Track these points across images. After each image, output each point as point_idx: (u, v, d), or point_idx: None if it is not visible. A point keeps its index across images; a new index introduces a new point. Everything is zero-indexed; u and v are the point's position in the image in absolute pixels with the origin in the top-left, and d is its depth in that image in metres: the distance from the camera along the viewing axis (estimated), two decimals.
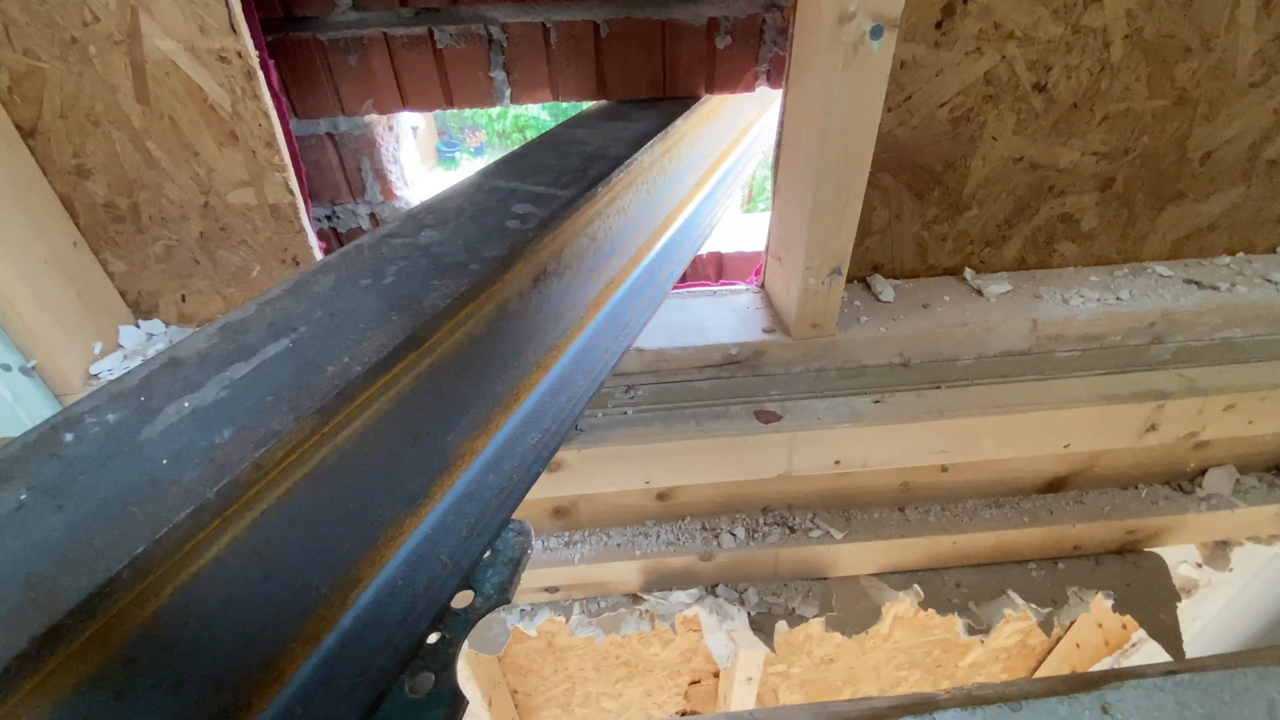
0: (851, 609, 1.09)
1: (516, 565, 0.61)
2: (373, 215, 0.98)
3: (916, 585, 1.10)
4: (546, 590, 1.05)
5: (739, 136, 1.30)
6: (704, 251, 1.12)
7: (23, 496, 0.31)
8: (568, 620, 1.10)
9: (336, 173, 0.93)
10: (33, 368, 0.77)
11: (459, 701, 0.49)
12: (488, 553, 0.61)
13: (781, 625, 1.06)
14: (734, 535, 1.03)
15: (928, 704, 0.63)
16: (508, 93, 0.89)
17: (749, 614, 1.06)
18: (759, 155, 1.39)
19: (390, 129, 0.94)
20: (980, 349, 0.89)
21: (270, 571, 0.42)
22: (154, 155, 0.77)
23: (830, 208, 0.72)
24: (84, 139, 0.76)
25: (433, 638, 0.54)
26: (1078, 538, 1.08)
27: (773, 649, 1.06)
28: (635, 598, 1.11)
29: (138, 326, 0.89)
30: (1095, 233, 0.94)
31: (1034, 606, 1.08)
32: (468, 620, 0.56)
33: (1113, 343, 0.91)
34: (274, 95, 0.75)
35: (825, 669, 1.92)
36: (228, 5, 0.68)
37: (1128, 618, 1.12)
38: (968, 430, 0.87)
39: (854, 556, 1.07)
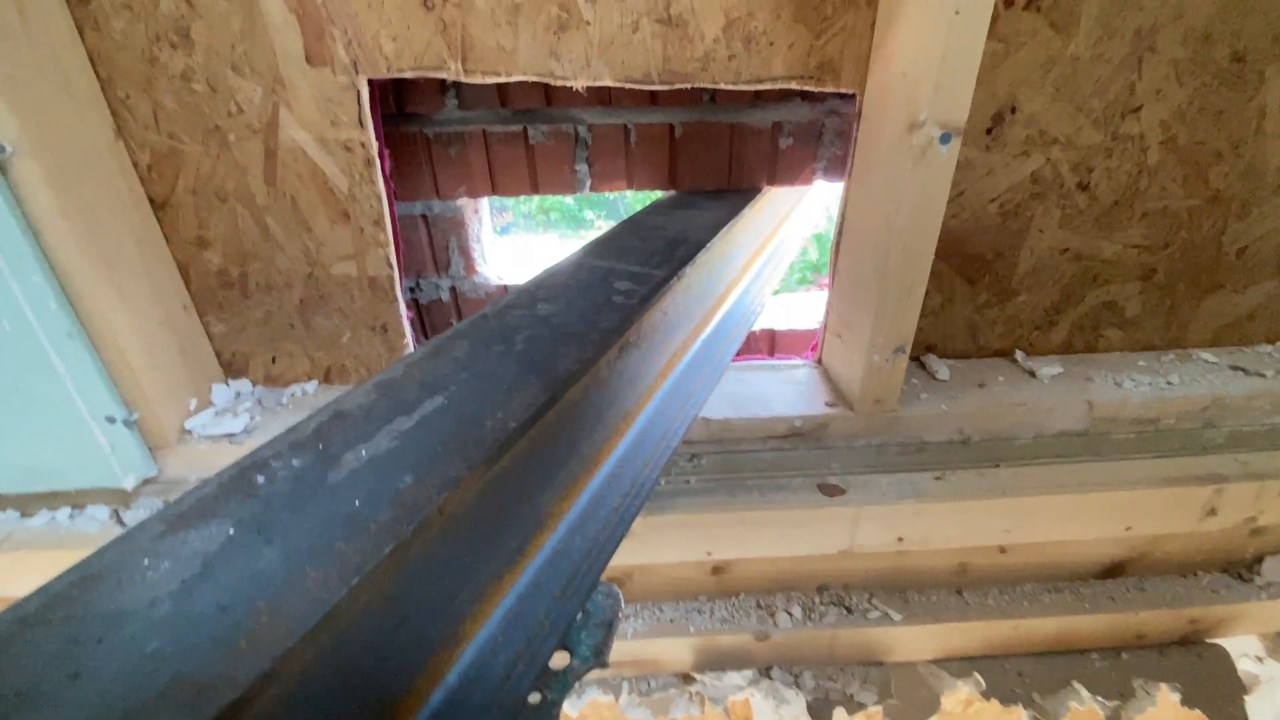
0: (911, 697, 1.05)
1: (609, 627, 0.62)
2: (453, 289, 1.04)
3: (977, 673, 1.07)
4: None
5: (782, 221, 1.38)
6: (756, 328, 1.18)
7: (230, 530, 0.34)
8: (617, 700, 1.06)
9: (425, 249, 1.00)
10: (134, 420, 0.81)
11: None
12: (580, 615, 0.62)
13: (840, 712, 1.02)
14: (790, 614, 1.02)
15: None
16: (588, 183, 0.97)
17: (805, 699, 1.02)
18: (800, 240, 1.47)
19: (476, 212, 1.02)
20: (1038, 429, 0.91)
21: (400, 620, 0.44)
22: (271, 230, 0.84)
23: (895, 292, 0.77)
24: (209, 213, 0.83)
25: (534, 698, 0.54)
26: (1140, 626, 1.06)
27: None
28: (686, 678, 1.08)
29: (227, 385, 0.93)
30: (1140, 319, 0.98)
31: (1100, 700, 1.04)
32: (566, 681, 0.56)
33: (1167, 426, 0.93)
34: (385, 180, 0.83)
35: None
36: (359, 103, 0.77)
37: (1190, 716, 1.08)
38: (1029, 509, 0.88)
39: (912, 640, 1.04)
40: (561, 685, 0.55)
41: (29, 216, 0.68)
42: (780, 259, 1.31)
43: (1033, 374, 0.95)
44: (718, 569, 1.03)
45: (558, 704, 0.54)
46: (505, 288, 1.07)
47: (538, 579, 0.60)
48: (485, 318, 0.59)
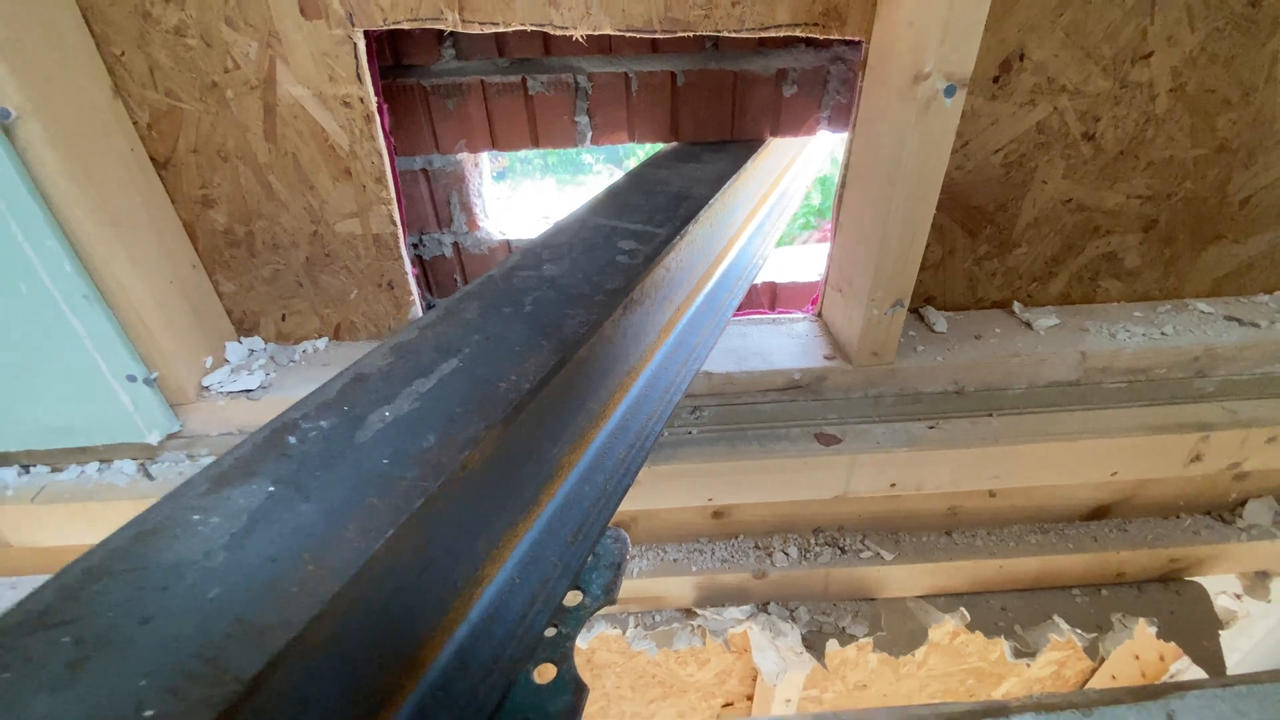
0: (899, 630, 1.12)
1: (618, 568, 0.66)
2: (455, 244, 1.05)
3: (963, 608, 1.13)
4: None
5: (784, 170, 1.37)
6: (758, 281, 1.18)
7: (270, 488, 0.37)
8: (624, 633, 1.13)
9: (427, 205, 1.00)
10: (154, 379, 0.84)
11: (581, 689, 0.54)
12: (590, 557, 0.66)
13: (832, 644, 1.09)
14: (786, 554, 1.07)
15: (1001, 709, 0.66)
16: (589, 135, 0.96)
17: (800, 632, 1.09)
18: (802, 189, 1.46)
19: (476, 166, 1.02)
20: (1031, 379, 0.94)
21: (426, 565, 0.47)
22: (274, 188, 0.84)
23: (897, 246, 0.78)
24: (212, 172, 0.83)
25: (550, 632, 0.58)
26: (1121, 565, 1.11)
27: (825, 665, 1.09)
28: (689, 613, 1.14)
29: (240, 342, 0.95)
30: (1138, 270, 0.99)
31: (1079, 632, 1.11)
32: (580, 617, 0.61)
33: (1158, 376, 0.95)
34: (385, 135, 0.83)
35: (859, 695, 1.93)
36: (356, 57, 0.76)
37: (1166, 649, 1.15)
38: (1019, 456, 0.92)
39: (902, 578, 1.10)
40: (575, 620, 0.60)
41: (37, 180, 0.69)
42: (783, 210, 1.31)
43: (1029, 325, 0.97)
44: (718, 513, 1.07)
45: (571, 637, 0.58)
46: (508, 242, 1.07)
47: (551, 525, 0.63)
48: (493, 279, 0.60)
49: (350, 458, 0.39)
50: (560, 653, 0.57)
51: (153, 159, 0.82)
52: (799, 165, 1.48)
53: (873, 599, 1.13)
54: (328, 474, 0.38)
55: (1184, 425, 0.91)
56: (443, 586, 0.50)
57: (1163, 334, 0.94)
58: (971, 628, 1.11)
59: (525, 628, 0.56)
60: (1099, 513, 1.11)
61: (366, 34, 0.75)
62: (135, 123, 0.79)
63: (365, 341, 0.99)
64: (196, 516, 0.35)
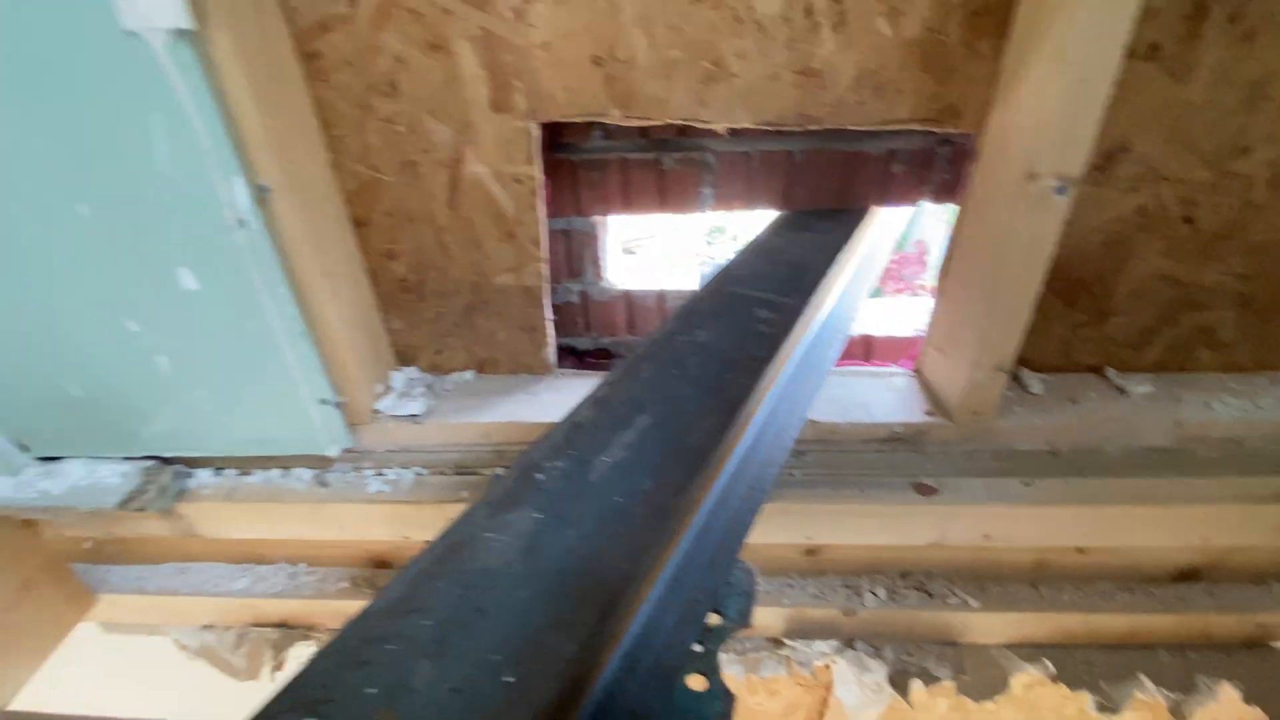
0: (982, 675, 1.16)
1: (749, 595, 0.75)
2: (583, 293, 1.18)
3: (1046, 659, 1.17)
4: None
5: (872, 230, 1.46)
6: (854, 333, 1.27)
7: (537, 515, 0.48)
8: None
9: (563, 259, 1.14)
10: (340, 403, 0.99)
11: (730, 697, 0.63)
12: (725, 585, 0.76)
13: (916, 683, 1.15)
14: (875, 595, 1.14)
15: None
16: (710, 202, 1.08)
17: (886, 670, 1.15)
18: (890, 246, 1.54)
19: (606, 225, 1.15)
20: (1126, 443, 0.99)
21: (627, 580, 0.58)
22: (448, 246, 0.99)
23: (1003, 318, 0.86)
24: (399, 231, 0.99)
25: (697, 648, 0.68)
26: (1208, 627, 1.13)
27: (909, 702, 1.14)
28: (777, 642, 1.22)
29: (401, 371, 1.10)
30: (1234, 343, 1.03)
31: (1164, 691, 1.12)
32: (721, 635, 0.70)
33: (1252, 447, 0.99)
34: (544, 205, 0.97)
35: None
36: (530, 143, 0.90)
37: (1250, 714, 1.15)
38: (1111, 517, 0.96)
39: (987, 626, 1.15)
40: (717, 639, 0.69)
41: (280, 241, 0.85)
42: (874, 263, 1.39)
43: (1123, 391, 1.02)
44: (811, 551, 1.15)
45: (715, 652, 0.68)
46: (626, 292, 1.20)
47: (690, 553, 0.73)
48: (656, 343, 0.72)
49: (590, 495, 0.50)
50: (709, 665, 0.66)
51: (353, 219, 0.98)
52: (886, 219, 1.57)
53: (956, 643, 1.18)
54: (577, 506, 0.49)
55: (1278, 495, 0.94)
56: (629, 597, 0.61)
57: (1258, 407, 0.97)
58: (1056, 679, 1.15)
59: (678, 640, 0.66)
60: (1187, 574, 1.13)
61: (540, 125, 0.89)
62: (343, 190, 0.95)
63: (506, 375, 1.12)
64: (489, 535, 0.47)
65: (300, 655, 1.30)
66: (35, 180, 0.79)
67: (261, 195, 0.81)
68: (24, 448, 1.08)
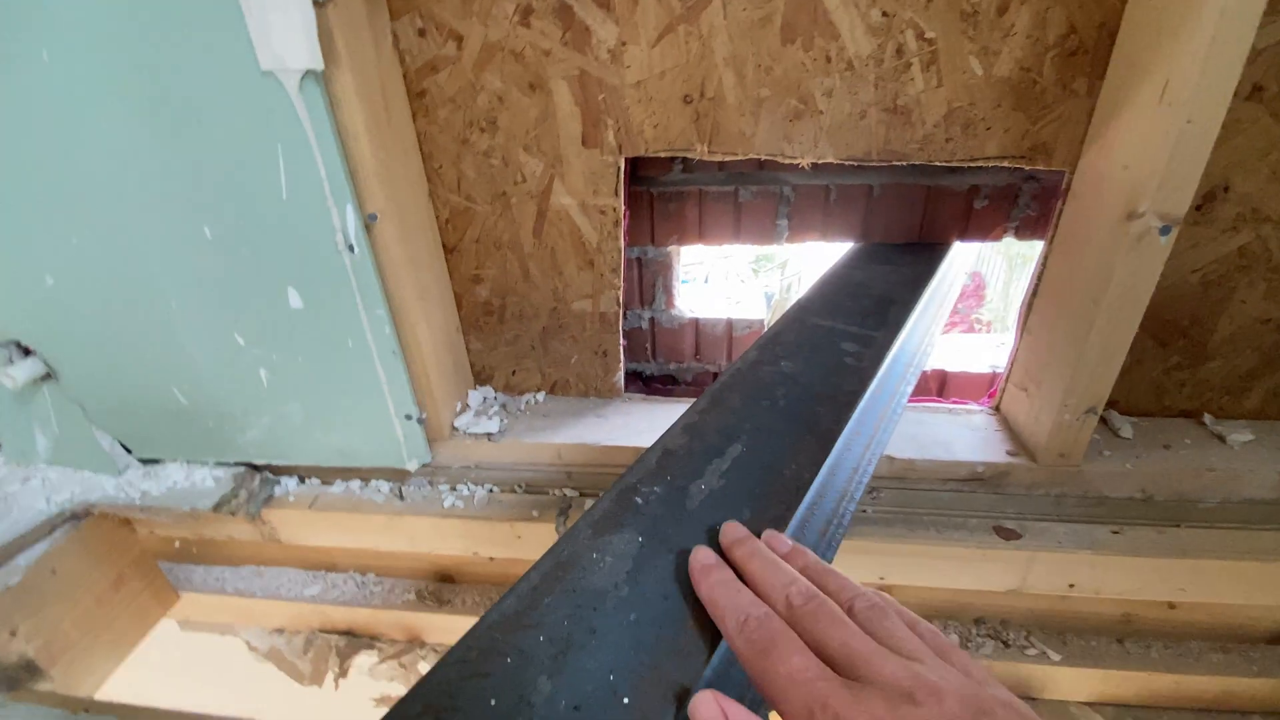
0: None
1: None
2: (652, 319, 1.20)
3: None
4: None
5: (945, 263, 1.44)
6: (927, 368, 1.25)
7: (639, 538, 0.49)
8: None
9: (635, 286, 1.16)
10: (423, 419, 1.03)
11: None
12: None
13: None
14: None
15: None
16: (785, 234, 1.09)
17: None
18: (962, 278, 1.51)
19: (679, 255, 1.17)
20: (1225, 494, 0.94)
21: None
22: (531, 273, 1.03)
23: (1095, 360, 0.84)
24: (486, 258, 1.03)
25: None
26: None
27: None
28: None
29: (477, 390, 1.14)
30: None
31: None
32: None
33: None
34: (624, 235, 0.99)
35: None
36: (617, 176, 0.93)
37: None
38: (1207, 571, 0.91)
39: (1068, 681, 1.09)
40: None
41: (381, 266, 0.90)
42: (947, 296, 1.37)
43: (1222, 439, 0.97)
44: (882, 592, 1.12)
45: None
46: (695, 320, 1.21)
47: None
48: (741, 372, 0.73)
49: (689, 521, 0.51)
50: None
51: (444, 245, 1.03)
52: (960, 256, 1.54)
53: (1034, 698, 1.12)
54: (676, 530, 0.50)
55: None
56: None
57: None
58: None
59: (751, 694, 0.66)
60: None
61: (626, 159, 0.93)
62: (438, 218, 1.00)
63: (575, 398, 1.15)
64: (595, 555, 0.48)
65: (363, 664, 1.33)
66: (168, 204, 0.86)
67: (369, 222, 0.87)
68: (128, 450, 1.16)
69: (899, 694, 0.33)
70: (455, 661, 0.40)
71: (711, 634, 0.42)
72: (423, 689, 0.39)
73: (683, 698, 0.38)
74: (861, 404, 0.95)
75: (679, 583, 0.46)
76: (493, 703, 0.38)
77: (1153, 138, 0.71)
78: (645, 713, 0.37)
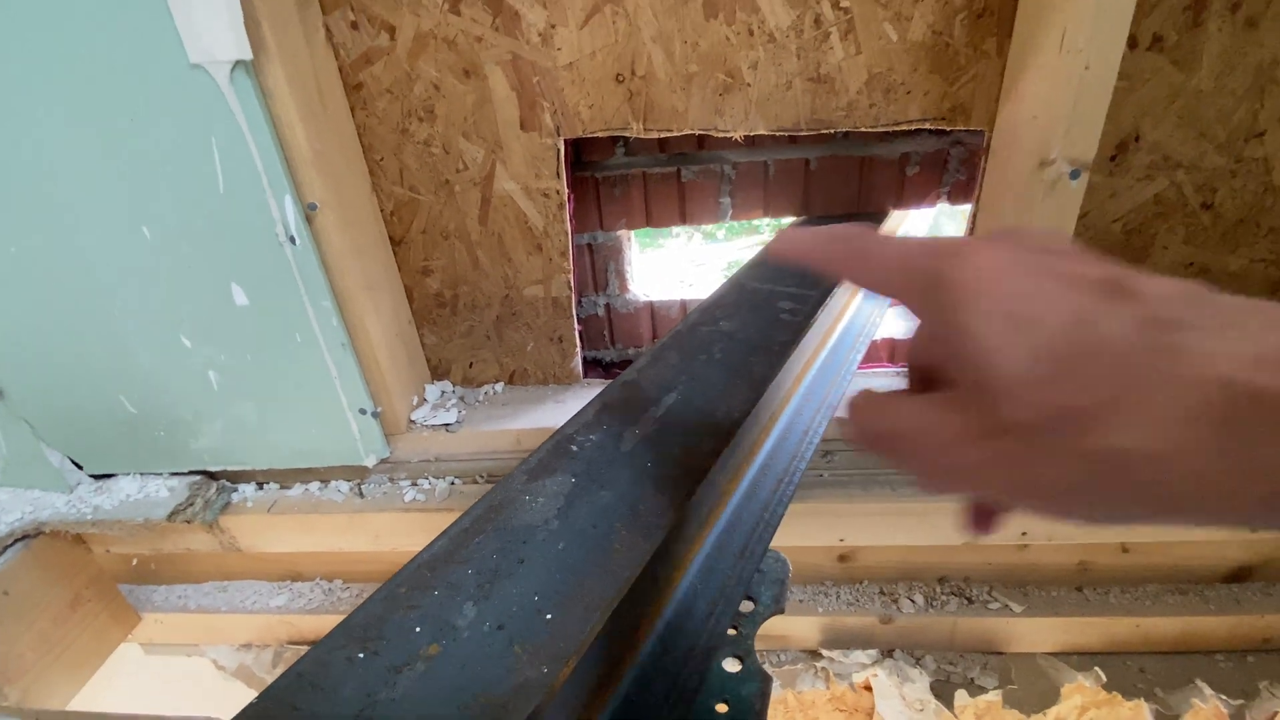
0: (1031, 687, 1.12)
1: (782, 583, 0.75)
2: (607, 304, 1.22)
3: (1097, 668, 1.12)
4: None
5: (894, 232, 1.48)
6: (877, 337, 1.28)
7: (573, 480, 0.50)
8: None
9: (588, 273, 1.18)
10: (378, 413, 1.02)
11: (767, 678, 0.63)
12: (757, 573, 0.76)
13: (961, 694, 1.11)
14: (912, 601, 1.12)
15: None
16: (729, 212, 1.11)
17: (928, 680, 1.11)
18: None
19: (629, 239, 1.19)
20: None
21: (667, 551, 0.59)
22: (480, 261, 1.04)
23: None
24: (433, 248, 1.04)
25: (731, 632, 0.68)
26: (1268, 630, 1.08)
27: (954, 715, 1.10)
28: (814, 654, 1.19)
29: (434, 384, 1.14)
30: None
31: (1224, 698, 1.07)
32: (755, 621, 0.70)
33: None
34: (570, 218, 1.01)
35: None
36: (558, 159, 0.95)
37: None
38: None
39: (1032, 633, 1.11)
40: (751, 624, 0.69)
41: (324, 256, 0.90)
42: None
43: None
44: (844, 556, 1.14)
45: (750, 637, 0.67)
46: (650, 303, 1.23)
47: (720, 542, 0.73)
48: (680, 333, 0.74)
49: (622, 461, 0.52)
50: (744, 649, 0.66)
51: (391, 238, 1.03)
52: (908, 225, 1.59)
53: (1001, 652, 1.14)
54: (611, 471, 0.51)
55: None
56: (668, 570, 0.61)
57: None
58: (1108, 688, 1.10)
59: (712, 624, 0.66)
60: (1241, 574, 1.09)
61: (565, 140, 0.94)
62: (382, 210, 1.01)
63: (535, 386, 1.15)
64: (527, 497, 0.49)
65: None
66: (105, 205, 0.86)
67: (310, 212, 0.87)
68: (78, 465, 1.14)
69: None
70: (381, 599, 0.41)
71: (630, 557, 0.43)
72: (349, 622, 0.39)
73: (610, 607, 0.39)
74: (815, 365, 0.97)
75: (608, 511, 0.47)
76: (417, 630, 0.38)
77: (1056, 87, 0.75)
78: (566, 625, 0.38)
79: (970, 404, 0.27)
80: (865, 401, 0.34)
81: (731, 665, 0.64)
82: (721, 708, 0.60)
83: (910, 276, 0.30)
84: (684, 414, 0.59)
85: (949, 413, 0.28)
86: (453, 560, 0.44)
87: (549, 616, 0.39)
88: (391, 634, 0.38)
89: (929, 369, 0.33)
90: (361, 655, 0.37)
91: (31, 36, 0.76)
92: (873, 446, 0.33)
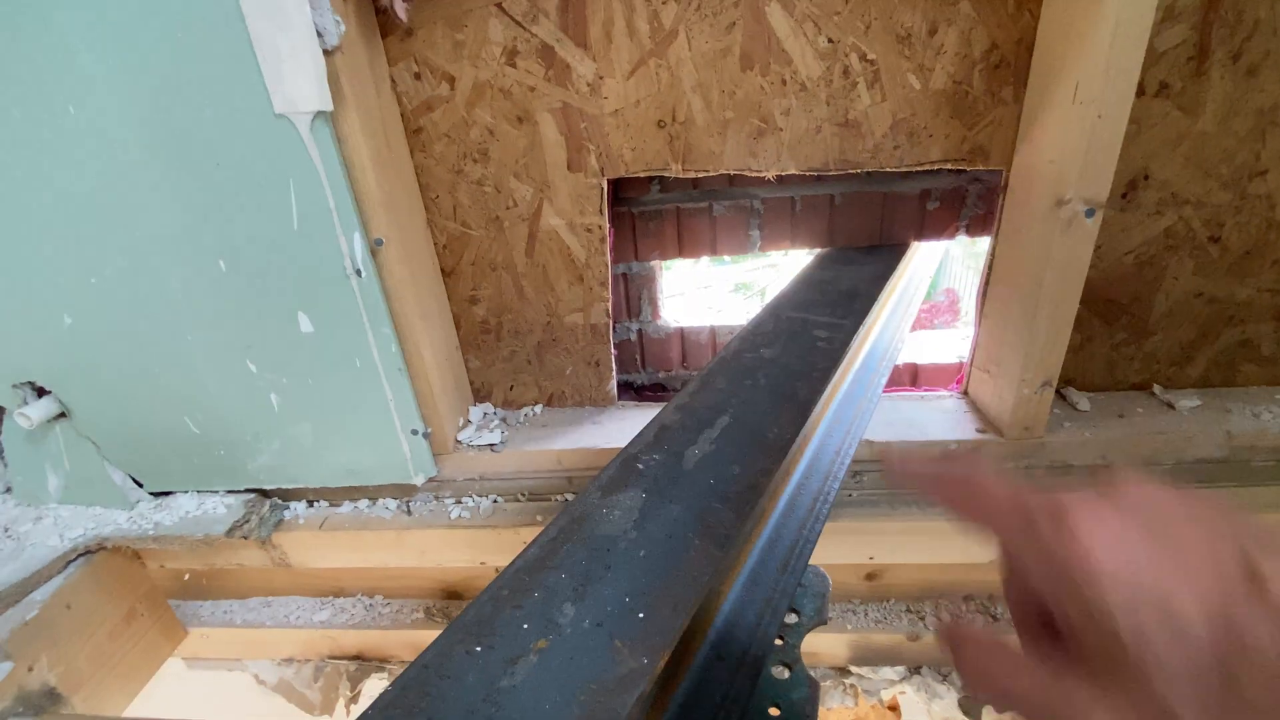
0: None
1: (824, 596, 0.79)
2: (640, 330, 1.28)
3: None
4: None
5: (908, 264, 1.54)
6: (899, 362, 1.33)
7: (643, 495, 0.55)
8: None
9: (622, 300, 1.24)
10: (428, 434, 1.08)
11: (814, 684, 0.67)
12: (799, 587, 0.80)
13: (988, 711, 1.13)
14: (939, 618, 1.15)
15: None
16: (758, 244, 1.18)
17: (956, 696, 1.14)
18: (927, 278, 1.61)
19: (662, 268, 1.25)
20: (1178, 455, 1.01)
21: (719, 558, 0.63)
22: (525, 291, 1.10)
23: (1044, 335, 0.92)
24: (481, 279, 1.10)
25: (778, 642, 0.73)
26: None
27: None
28: (842, 671, 1.22)
29: (477, 406, 1.20)
30: (1276, 356, 1.06)
31: None
32: (800, 631, 0.74)
33: None
34: (610, 251, 1.07)
35: None
36: (601, 196, 1.02)
37: None
38: None
39: None
40: (797, 634, 0.73)
41: (386, 287, 0.96)
42: (915, 295, 1.47)
43: (1171, 406, 1.05)
44: (871, 575, 1.17)
45: (797, 645, 0.72)
46: (681, 329, 1.29)
47: (763, 556, 0.78)
48: (726, 360, 0.80)
49: (686, 479, 0.57)
50: (791, 657, 0.70)
51: (442, 269, 1.10)
52: (921, 255, 1.65)
53: None
54: (676, 488, 0.56)
55: None
56: (717, 582, 0.66)
57: None
58: None
59: (760, 633, 0.71)
60: None
61: (609, 180, 1.01)
62: (436, 243, 1.08)
63: (572, 408, 1.21)
64: (604, 510, 0.54)
65: (374, 689, 1.34)
66: (185, 241, 0.93)
67: (375, 247, 0.94)
68: (139, 483, 1.19)
69: None
70: (489, 600, 0.46)
71: (705, 563, 0.48)
72: (463, 620, 0.44)
73: (689, 606, 0.44)
74: (842, 388, 1.02)
75: (679, 523, 0.52)
76: (525, 627, 0.43)
77: (1070, 133, 0.81)
78: (658, 622, 0.43)
79: (1114, 690, 0.26)
80: (981, 650, 0.32)
81: (780, 672, 0.69)
82: (774, 711, 0.64)
83: (1026, 529, 0.30)
84: (738, 434, 0.64)
85: (1088, 694, 0.27)
86: (546, 566, 0.49)
87: (640, 615, 0.44)
88: (503, 630, 0.43)
89: (1039, 610, 0.32)
90: (479, 649, 0.42)
91: (127, 86, 0.84)
92: (989, 699, 0.32)
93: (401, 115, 0.98)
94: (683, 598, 0.44)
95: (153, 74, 0.83)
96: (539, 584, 0.46)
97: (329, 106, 0.82)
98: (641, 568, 0.47)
